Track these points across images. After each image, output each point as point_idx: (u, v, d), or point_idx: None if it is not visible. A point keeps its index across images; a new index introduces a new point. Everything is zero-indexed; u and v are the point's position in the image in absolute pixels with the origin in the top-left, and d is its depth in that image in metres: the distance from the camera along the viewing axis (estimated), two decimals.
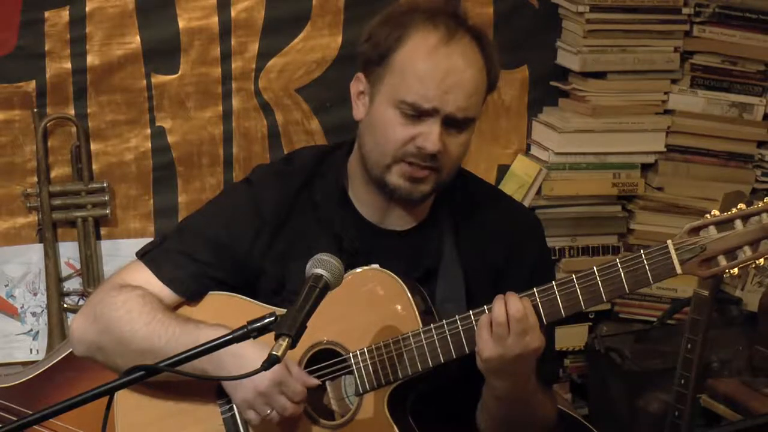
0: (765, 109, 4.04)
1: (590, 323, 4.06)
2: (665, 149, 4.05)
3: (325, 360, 2.56)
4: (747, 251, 2.36)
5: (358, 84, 2.60)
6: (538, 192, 4.00)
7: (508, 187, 4.00)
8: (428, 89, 2.47)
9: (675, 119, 4.04)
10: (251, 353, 2.42)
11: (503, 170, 4.07)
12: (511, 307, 2.41)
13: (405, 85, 2.49)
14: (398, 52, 2.51)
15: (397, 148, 2.51)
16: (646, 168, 4.08)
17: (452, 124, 2.51)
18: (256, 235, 2.64)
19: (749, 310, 3.90)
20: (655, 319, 3.99)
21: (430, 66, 2.48)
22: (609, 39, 3.96)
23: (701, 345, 3.28)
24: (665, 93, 4.03)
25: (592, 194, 4.05)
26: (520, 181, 4.00)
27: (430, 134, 2.49)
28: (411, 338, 2.50)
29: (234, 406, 2.59)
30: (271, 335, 2.20)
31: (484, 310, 2.46)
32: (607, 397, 3.93)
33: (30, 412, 2.16)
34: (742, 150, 4.07)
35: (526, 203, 3.95)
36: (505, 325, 2.40)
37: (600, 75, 3.99)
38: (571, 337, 4.05)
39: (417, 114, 2.49)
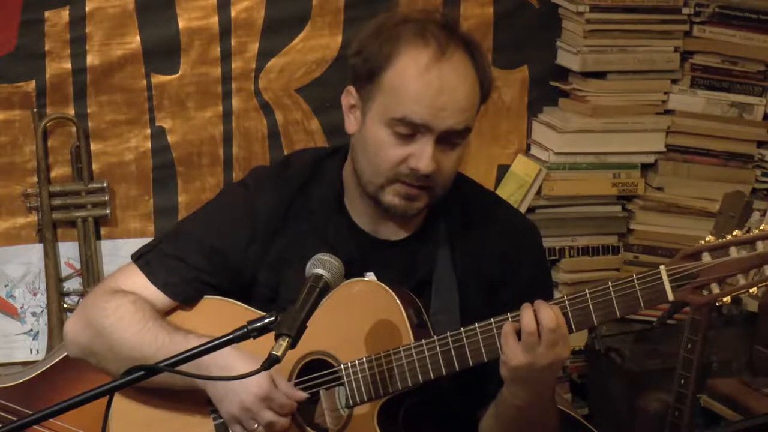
0: (765, 109, 4.03)
1: None
2: (665, 149, 4.04)
3: (317, 370, 2.53)
4: (740, 279, 2.32)
5: (349, 97, 2.56)
6: (538, 192, 4.00)
7: (507, 187, 4.00)
8: (421, 107, 2.43)
9: (675, 119, 4.03)
10: (240, 365, 2.41)
11: (503, 170, 4.06)
12: (542, 316, 2.36)
13: (396, 104, 2.45)
14: (388, 70, 2.46)
15: (390, 169, 2.48)
16: (646, 168, 4.08)
17: (447, 139, 2.47)
18: (251, 242, 2.62)
19: (749, 310, 3.89)
20: (655, 319, 3.99)
21: (422, 86, 2.43)
22: (609, 39, 3.96)
23: (701, 345, 3.27)
24: (665, 93, 4.02)
25: (591, 194, 4.05)
26: (520, 181, 4.00)
27: (423, 154, 2.45)
28: (402, 353, 2.47)
29: None
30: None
31: (475, 327, 2.43)
32: (607, 397, 3.93)
33: (30, 412, 2.16)
34: (742, 150, 4.06)
35: (526, 203, 3.95)
36: (535, 334, 2.35)
37: (600, 75, 3.98)
38: (571, 337, 3.99)
39: (410, 133, 2.45)
